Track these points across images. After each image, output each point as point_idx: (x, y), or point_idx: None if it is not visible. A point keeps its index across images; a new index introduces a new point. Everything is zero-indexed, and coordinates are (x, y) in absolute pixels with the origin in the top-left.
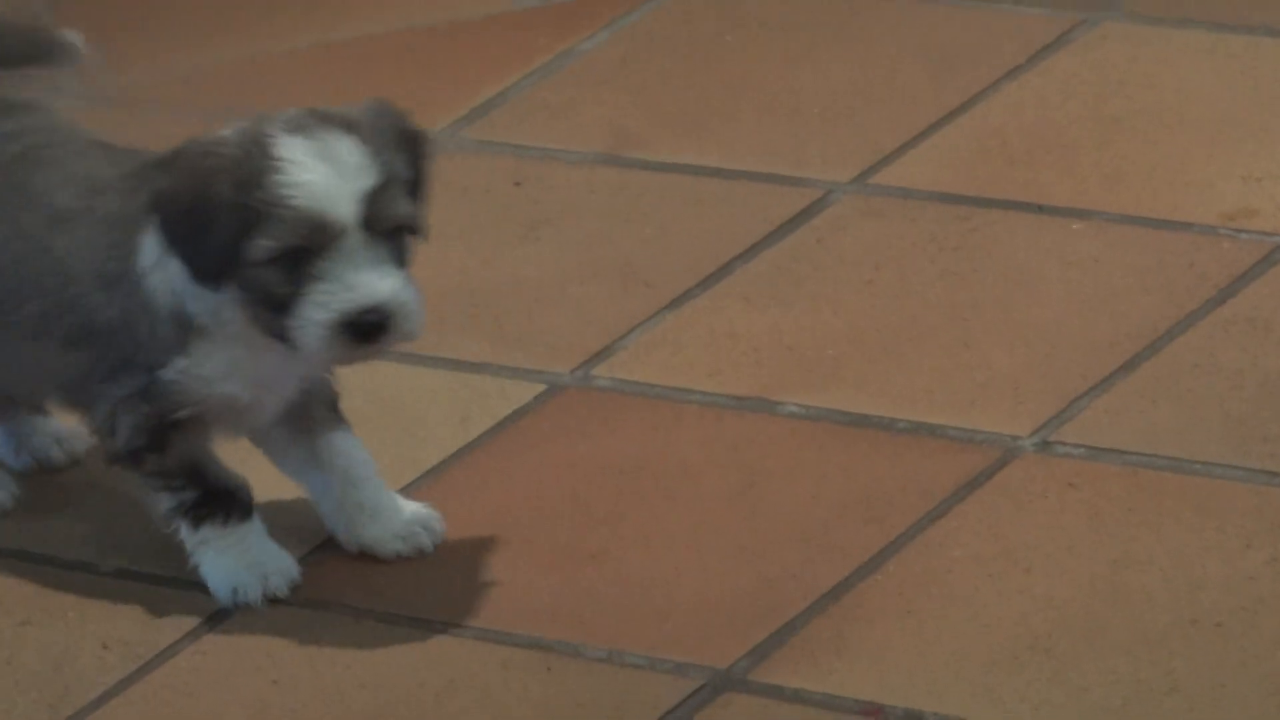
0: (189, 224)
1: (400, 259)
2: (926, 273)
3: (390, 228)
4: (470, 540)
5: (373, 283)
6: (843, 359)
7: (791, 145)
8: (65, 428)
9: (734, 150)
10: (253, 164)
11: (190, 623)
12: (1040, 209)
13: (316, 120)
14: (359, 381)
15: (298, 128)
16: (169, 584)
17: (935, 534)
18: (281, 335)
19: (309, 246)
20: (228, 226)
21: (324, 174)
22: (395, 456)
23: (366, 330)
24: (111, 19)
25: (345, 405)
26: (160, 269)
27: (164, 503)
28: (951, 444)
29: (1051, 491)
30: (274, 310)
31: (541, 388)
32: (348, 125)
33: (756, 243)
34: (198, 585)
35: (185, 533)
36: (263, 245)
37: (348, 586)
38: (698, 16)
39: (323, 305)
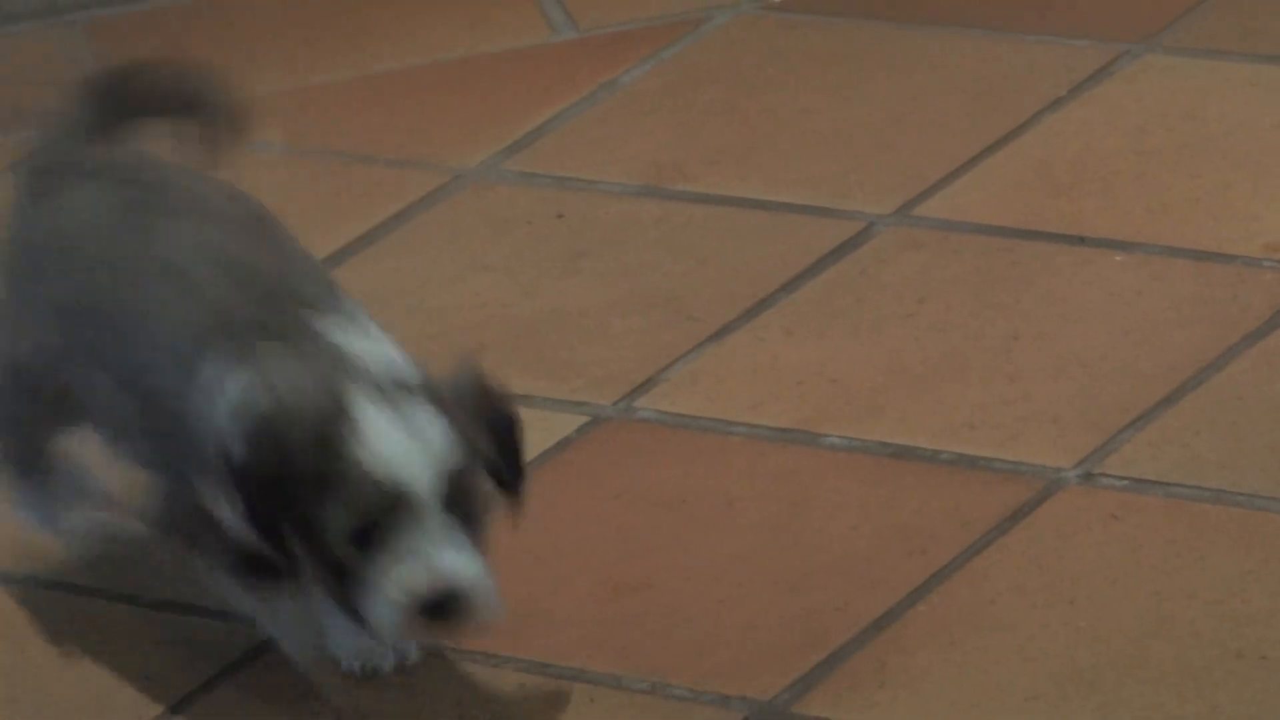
0: (267, 498)
1: (478, 540)
2: (969, 304)
3: (470, 508)
4: (512, 572)
5: (452, 565)
6: (885, 391)
7: (834, 177)
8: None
9: (776, 182)
10: (332, 434)
11: (233, 654)
12: (1083, 241)
13: (399, 388)
14: None
15: (379, 396)
16: (212, 616)
17: (978, 566)
18: (349, 605)
19: (386, 522)
20: (305, 500)
21: (405, 448)
22: None
23: (444, 613)
24: (152, 52)
25: None
26: (212, 401)
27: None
28: (994, 476)
29: (1095, 523)
30: (343, 580)
31: (584, 419)
32: (432, 396)
33: (799, 274)
34: (240, 617)
35: (285, 603)
36: (339, 518)
37: None
38: (739, 48)
39: (399, 583)
